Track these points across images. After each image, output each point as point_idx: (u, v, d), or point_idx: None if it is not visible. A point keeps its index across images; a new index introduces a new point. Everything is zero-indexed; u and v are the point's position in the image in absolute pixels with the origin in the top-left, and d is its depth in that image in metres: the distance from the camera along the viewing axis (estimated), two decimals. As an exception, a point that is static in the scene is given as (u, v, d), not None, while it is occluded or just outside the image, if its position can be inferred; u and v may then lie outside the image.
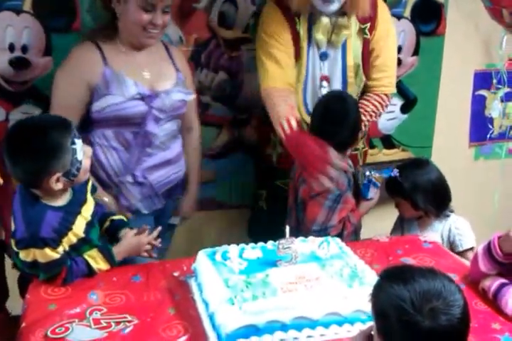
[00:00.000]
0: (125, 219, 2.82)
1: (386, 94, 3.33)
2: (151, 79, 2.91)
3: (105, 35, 2.88)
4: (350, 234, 3.07)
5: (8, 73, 3.30)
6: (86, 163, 2.49)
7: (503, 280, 2.42)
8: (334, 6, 3.03)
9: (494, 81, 4.28)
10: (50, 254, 2.42)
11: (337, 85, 3.21)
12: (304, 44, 3.16)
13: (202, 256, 2.51)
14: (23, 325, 2.25)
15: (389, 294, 1.65)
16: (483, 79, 4.31)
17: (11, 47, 3.26)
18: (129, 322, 2.25)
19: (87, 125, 2.89)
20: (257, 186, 3.63)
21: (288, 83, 3.16)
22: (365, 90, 3.33)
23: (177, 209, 3.31)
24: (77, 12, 3.31)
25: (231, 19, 3.63)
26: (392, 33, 3.32)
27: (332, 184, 2.94)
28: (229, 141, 3.83)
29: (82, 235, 2.54)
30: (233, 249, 2.52)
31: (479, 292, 2.49)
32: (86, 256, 2.55)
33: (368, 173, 3.07)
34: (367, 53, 3.22)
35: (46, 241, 2.39)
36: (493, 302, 2.41)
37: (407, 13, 3.89)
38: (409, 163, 3.28)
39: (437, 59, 4.04)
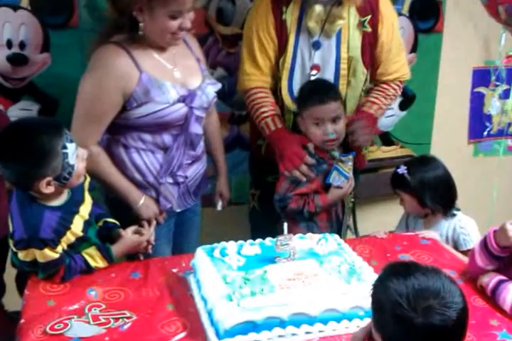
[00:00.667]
0: (118, 223, 2.78)
1: (401, 81, 3.35)
2: (182, 78, 2.83)
3: (128, 38, 2.73)
4: (312, 213, 3.08)
5: (6, 69, 3.30)
6: (79, 167, 2.46)
7: (502, 277, 2.43)
8: None
9: (493, 78, 4.28)
10: (49, 254, 2.41)
11: (328, 75, 3.16)
12: (292, 32, 3.12)
13: (200, 252, 2.50)
14: (22, 321, 2.25)
15: (387, 288, 1.65)
16: (482, 76, 4.31)
17: (9, 44, 3.25)
18: (127, 318, 2.25)
19: (119, 129, 2.81)
20: (251, 185, 3.62)
21: (265, 82, 3.19)
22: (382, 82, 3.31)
23: (215, 194, 3.32)
24: (74, 8, 3.31)
25: (229, 15, 3.64)
26: (397, 24, 3.29)
27: (303, 178, 3.00)
28: (227, 137, 3.83)
29: (81, 234, 2.53)
30: (231, 246, 2.52)
31: (477, 288, 2.49)
32: (84, 254, 2.55)
33: (335, 160, 3.05)
34: (367, 47, 3.18)
35: (45, 242, 2.38)
36: (492, 298, 2.41)
37: (405, 10, 3.89)
38: (416, 160, 3.28)
39: (436, 56, 4.05)
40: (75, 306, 2.31)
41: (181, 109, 2.77)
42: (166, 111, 2.73)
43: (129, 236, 2.69)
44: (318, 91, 3.00)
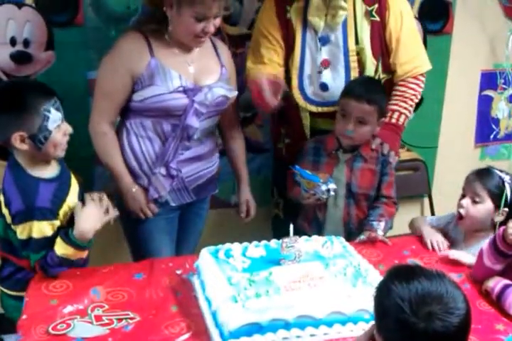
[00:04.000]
0: None
1: (421, 74, 3.28)
2: (195, 73, 2.90)
3: (154, 29, 2.85)
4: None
5: (10, 67, 3.27)
6: (57, 138, 2.49)
7: (507, 282, 2.43)
8: None
9: (501, 81, 4.26)
10: (45, 229, 2.45)
11: (340, 70, 3.14)
12: (298, 30, 3.12)
13: (205, 253, 2.49)
14: (24, 316, 2.25)
15: (390, 292, 1.64)
16: (490, 80, 4.28)
17: (13, 41, 3.24)
18: (131, 319, 2.25)
19: (126, 113, 2.93)
20: (272, 192, 3.61)
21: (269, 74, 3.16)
22: (399, 76, 3.26)
23: (240, 204, 3.34)
24: (79, 6, 3.30)
25: (236, 16, 3.62)
26: (407, 11, 3.23)
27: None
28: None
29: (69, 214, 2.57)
30: (236, 247, 2.52)
31: (483, 292, 2.49)
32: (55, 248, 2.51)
33: (297, 172, 3.01)
34: (377, 36, 3.15)
35: (43, 212, 2.43)
36: (497, 303, 2.41)
37: (415, 11, 3.86)
38: None
39: (444, 58, 4.02)
40: (78, 306, 2.30)
41: (182, 99, 2.83)
42: (165, 97, 2.81)
43: (79, 210, 2.57)
44: (361, 88, 3.00)
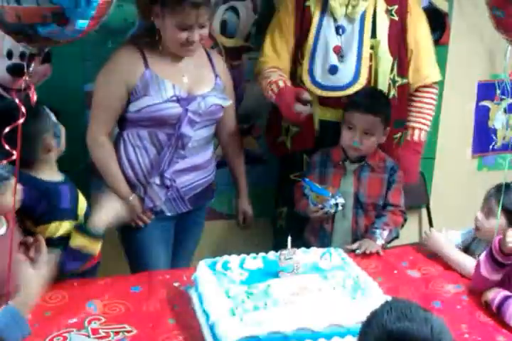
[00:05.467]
0: None
1: (434, 85, 3.37)
2: (189, 83, 2.95)
3: (148, 41, 2.90)
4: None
5: (6, 80, 3.26)
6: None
7: (507, 293, 2.43)
8: None
9: (498, 92, 4.25)
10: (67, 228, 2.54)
11: (351, 57, 3.15)
12: (316, 15, 3.17)
13: (202, 266, 2.48)
14: None
15: (377, 324, 1.60)
16: (487, 90, 4.28)
17: (9, 54, 3.23)
18: (127, 332, 2.24)
19: (123, 123, 2.98)
20: (277, 202, 3.61)
21: (280, 64, 3.26)
22: (413, 86, 3.33)
23: (237, 213, 3.42)
24: (77, 19, 3.28)
25: (232, 28, 3.63)
26: (425, 19, 3.34)
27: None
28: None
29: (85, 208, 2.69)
30: (234, 259, 2.51)
31: (482, 304, 2.47)
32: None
33: (305, 184, 3.05)
34: (394, 35, 3.21)
35: (66, 213, 2.56)
36: (497, 315, 2.40)
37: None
38: None
39: (441, 69, 4.00)
40: (75, 319, 2.29)
41: (175, 108, 2.87)
42: (159, 107, 2.86)
43: (111, 201, 2.70)
44: (365, 100, 3.04)
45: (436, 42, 3.92)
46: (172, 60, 2.92)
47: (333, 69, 3.16)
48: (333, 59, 3.15)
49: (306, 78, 3.19)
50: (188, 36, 2.78)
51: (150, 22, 2.84)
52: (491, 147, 4.45)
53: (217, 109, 3.02)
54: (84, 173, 3.33)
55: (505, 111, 4.34)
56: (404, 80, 3.29)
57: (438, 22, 3.94)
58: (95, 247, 2.58)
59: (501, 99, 4.29)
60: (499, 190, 2.84)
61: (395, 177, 3.14)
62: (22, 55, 3.24)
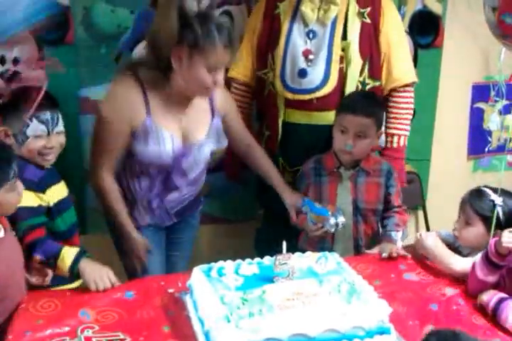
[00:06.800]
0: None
1: (408, 86, 3.33)
2: (186, 126, 2.87)
3: (153, 77, 2.77)
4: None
5: (-1, 86, 3.26)
6: (32, 145, 2.66)
7: (502, 295, 2.42)
8: None
9: (492, 93, 4.26)
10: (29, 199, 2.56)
11: (320, 60, 3.16)
12: (285, 22, 3.19)
13: (197, 272, 2.46)
14: (10, 337, 2.22)
15: None
16: (482, 92, 4.30)
17: (2, 60, 3.21)
18: (121, 340, 2.21)
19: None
20: (255, 204, 3.60)
21: (244, 73, 3.37)
22: (386, 88, 3.32)
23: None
24: (70, 24, 3.29)
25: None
26: (400, 22, 3.36)
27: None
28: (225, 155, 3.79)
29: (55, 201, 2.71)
30: (229, 265, 2.49)
31: (478, 306, 2.47)
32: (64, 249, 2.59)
33: (304, 204, 3.03)
34: (367, 38, 3.20)
35: (28, 183, 2.52)
36: (493, 317, 2.39)
37: (405, 25, 3.87)
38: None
39: (435, 71, 4.03)
40: (67, 328, 2.27)
41: (168, 159, 2.83)
42: (155, 157, 2.82)
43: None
44: (357, 102, 3.02)
45: (430, 44, 3.94)
46: (175, 102, 2.83)
47: (303, 73, 3.17)
48: (302, 63, 3.17)
49: (277, 83, 3.21)
50: (214, 78, 2.68)
51: (163, 60, 2.67)
52: (486, 149, 4.45)
53: (210, 155, 3.00)
54: (78, 179, 3.34)
55: (500, 112, 4.34)
56: (377, 83, 3.28)
57: (432, 25, 3.95)
58: (59, 273, 2.61)
59: (496, 101, 4.29)
60: (472, 197, 2.84)
61: (393, 180, 3.11)
62: (15, 61, 3.23)
